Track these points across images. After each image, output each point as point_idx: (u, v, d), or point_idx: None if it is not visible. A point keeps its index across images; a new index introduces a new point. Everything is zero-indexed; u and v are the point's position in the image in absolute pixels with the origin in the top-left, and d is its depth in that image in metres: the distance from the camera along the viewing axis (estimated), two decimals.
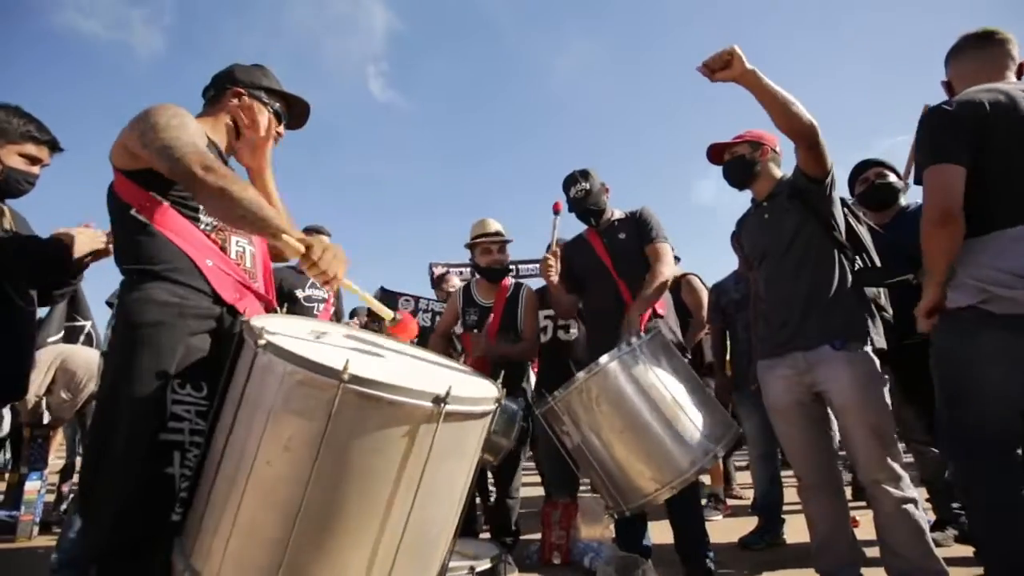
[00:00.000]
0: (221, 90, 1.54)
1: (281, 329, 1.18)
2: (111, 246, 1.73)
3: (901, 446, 2.04)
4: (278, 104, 1.60)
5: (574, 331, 2.91)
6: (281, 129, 1.63)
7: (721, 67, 1.69)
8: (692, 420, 1.76)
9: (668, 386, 1.78)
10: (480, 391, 1.20)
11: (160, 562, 1.16)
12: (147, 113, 1.30)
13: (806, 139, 1.79)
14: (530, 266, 6.32)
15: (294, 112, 1.67)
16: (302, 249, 1.23)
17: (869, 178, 2.60)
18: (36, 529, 3.26)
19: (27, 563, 2.81)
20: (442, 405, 1.00)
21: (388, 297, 4.64)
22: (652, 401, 1.74)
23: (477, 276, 2.88)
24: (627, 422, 1.74)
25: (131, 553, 1.16)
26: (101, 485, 1.21)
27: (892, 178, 2.57)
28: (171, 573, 1.14)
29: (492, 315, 2.66)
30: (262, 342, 1.04)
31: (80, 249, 1.70)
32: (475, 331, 2.69)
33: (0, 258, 1.59)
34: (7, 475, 3.67)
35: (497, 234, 2.78)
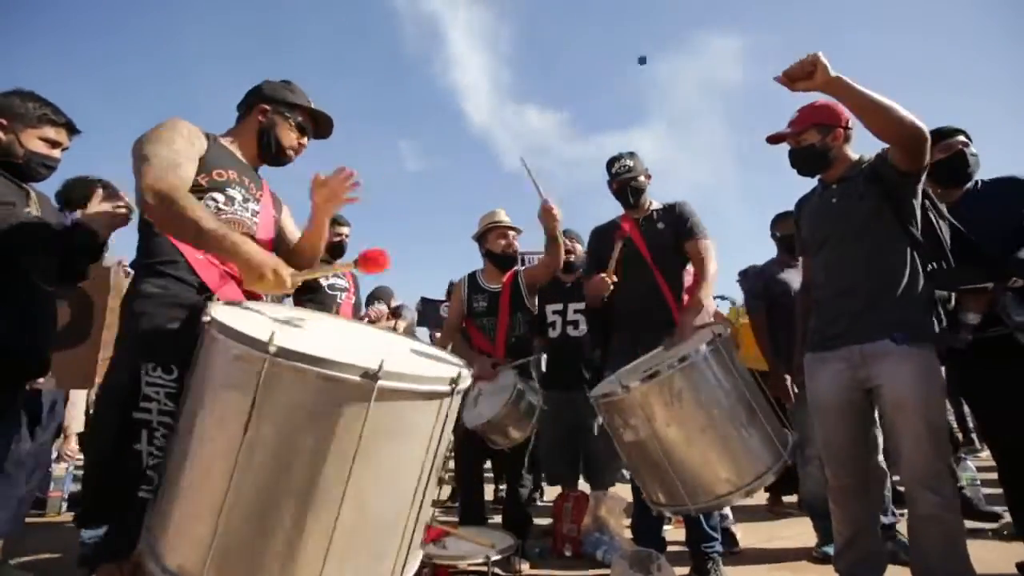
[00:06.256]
0: (250, 106, 1.63)
1: (243, 310, 1.18)
2: (128, 210, 1.72)
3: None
4: (300, 118, 1.65)
5: (583, 327, 2.84)
6: (305, 141, 1.68)
7: (803, 76, 1.58)
8: (765, 423, 1.69)
9: (745, 386, 1.72)
10: (433, 371, 1.14)
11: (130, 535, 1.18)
12: (154, 127, 1.39)
13: (909, 145, 1.65)
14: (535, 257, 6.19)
15: (319, 124, 1.73)
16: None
17: (953, 146, 2.15)
18: (65, 505, 3.44)
19: (56, 537, 2.94)
20: (374, 380, 0.95)
21: (428, 306, 4.81)
22: (733, 401, 1.68)
23: (483, 265, 2.90)
24: (709, 420, 1.66)
25: (105, 521, 1.24)
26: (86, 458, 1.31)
27: (974, 148, 2.16)
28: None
29: (502, 297, 2.70)
30: (206, 318, 1.05)
31: (105, 231, 1.70)
32: (484, 319, 2.71)
33: (27, 247, 1.64)
34: None
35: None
